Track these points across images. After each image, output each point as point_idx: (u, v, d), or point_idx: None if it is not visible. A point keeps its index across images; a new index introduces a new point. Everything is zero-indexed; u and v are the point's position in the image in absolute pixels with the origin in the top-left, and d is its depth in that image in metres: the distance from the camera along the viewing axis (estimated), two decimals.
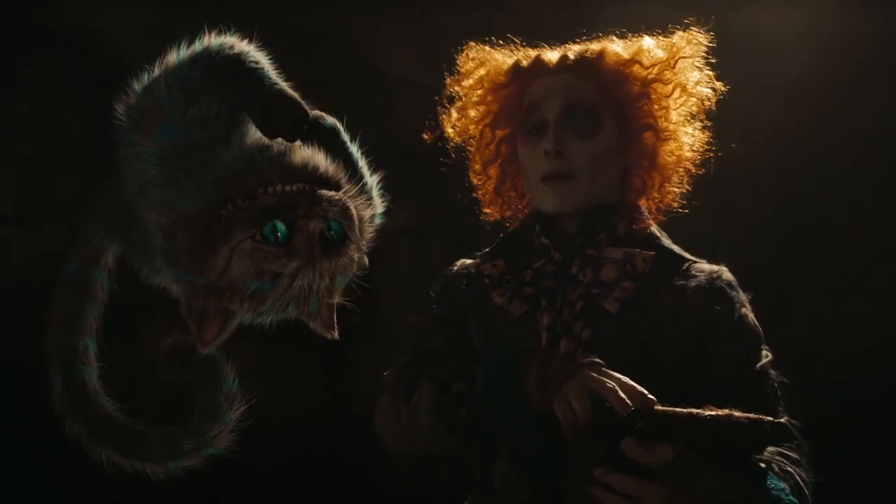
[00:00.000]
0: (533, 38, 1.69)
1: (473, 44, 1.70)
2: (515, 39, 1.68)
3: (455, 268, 1.70)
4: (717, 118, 1.65)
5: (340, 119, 1.27)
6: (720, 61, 1.63)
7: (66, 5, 2.55)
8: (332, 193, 1.08)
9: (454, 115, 1.72)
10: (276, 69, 1.27)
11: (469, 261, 1.69)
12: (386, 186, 1.77)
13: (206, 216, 1.05)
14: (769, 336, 1.53)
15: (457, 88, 1.71)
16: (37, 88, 2.57)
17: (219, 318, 1.11)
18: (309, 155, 1.11)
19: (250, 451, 2.89)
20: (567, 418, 1.25)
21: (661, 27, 1.64)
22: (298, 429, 2.97)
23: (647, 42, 1.60)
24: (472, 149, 1.72)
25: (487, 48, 1.69)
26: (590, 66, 1.55)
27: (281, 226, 1.04)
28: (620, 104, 1.56)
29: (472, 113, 1.69)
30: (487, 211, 1.74)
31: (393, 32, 3.05)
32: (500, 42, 1.70)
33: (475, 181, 1.73)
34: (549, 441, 1.30)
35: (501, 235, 1.69)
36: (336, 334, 1.21)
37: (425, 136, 1.73)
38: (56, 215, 2.59)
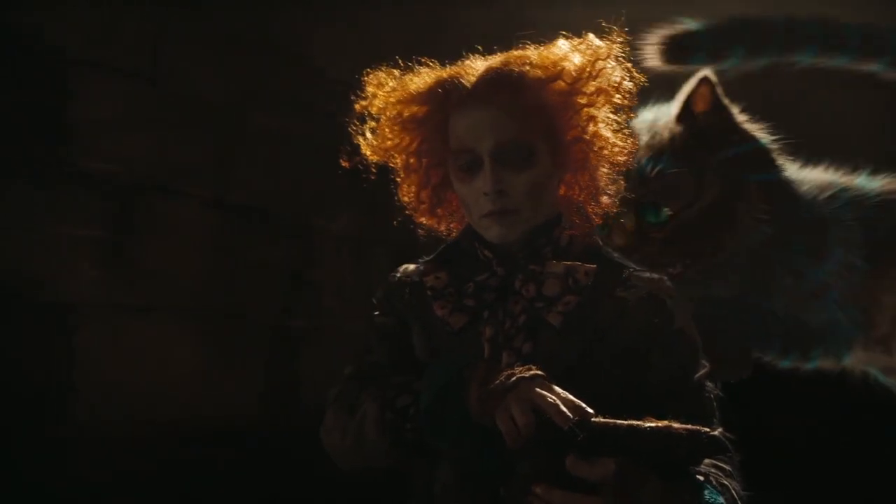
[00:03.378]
0: (475, 42, 1.66)
1: (381, 69, 1.64)
2: (429, 62, 1.63)
3: (398, 274, 1.68)
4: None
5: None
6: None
7: (6, 5, 2.48)
8: None
9: (369, 136, 1.66)
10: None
11: (412, 267, 1.68)
12: (330, 191, 1.79)
13: None
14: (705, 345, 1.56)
15: (370, 109, 1.64)
16: None
17: None
18: None
19: (192, 454, 2.86)
20: (509, 432, 1.26)
21: (581, 26, 1.62)
22: (239, 432, 2.95)
23: (563, 48, 1.57)
24: (396, 168, 1.67)
25: (395, 72, 1.63)
26: (513, 95, 1.50)
27: None
28: (548, 123, 1.54)
29: (391, 140, 1.63)
30: (422, 221, 1.70)
31: (338, 36, 3.04)
32: (429, 55, 1.64)
33: (405, 200, 1.68)
34: (491, 454, 1.31)
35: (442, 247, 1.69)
36: None
37: (344, 164, 1.68)
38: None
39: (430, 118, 1.57)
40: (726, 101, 1.13)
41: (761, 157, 1.14)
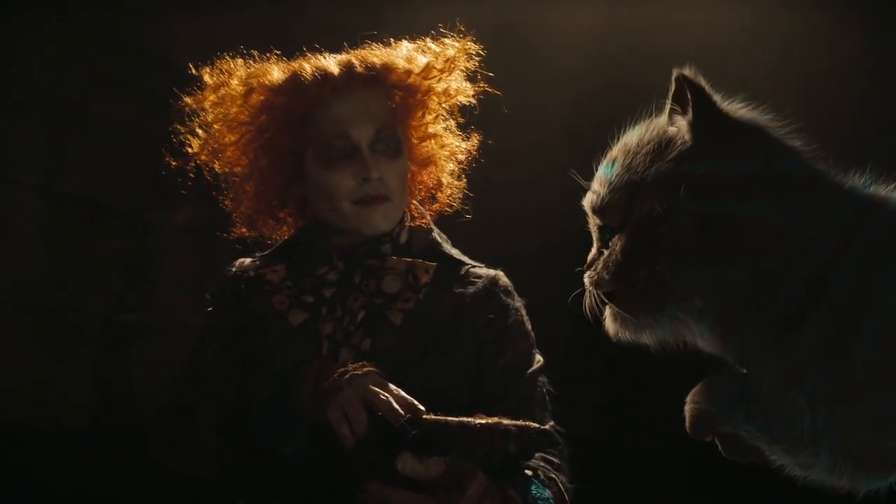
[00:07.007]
0: (325, 40, 1.65)
1: (227, 57, 1.60)
2: (277, 56, 1.60)
3: (234, 268, 1.64)
4: (498, 120, 1.70)
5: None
6: (498, 63, 1.67)
7: None
8: None
9: (201, 133, 1.61)
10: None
11: (248, 261, 1.64)
12: (171, 182, 1.73)
13: None
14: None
15: (206, 105, 1.60)
16: None
17: None
18: None
19: (19, 452, 2.73)
20: (342, 429, 1.26)
21: (425, 30, 1.65)
22: (70, 429, 2.84)
23: (409, 49, 1.60)
24: (224, 173, 1.63)
25: (241, 62, 1.60)
26: (383, 85, 1.54)
27: None
28: (405, 117, 1.58)
29: (233, 136, 1.59)
30: (247, 232, 1.66)
31: (185, 24, 2.96)
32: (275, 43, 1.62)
33: (239, 207, 1.64)
34: (327, 452, 1.30)
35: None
36: None
37: (172, 163, 1.62)
38: None
39: (289, 108, 1.54)
40: (719, 101, 0.85)
41: (748, 182, 0.81)
